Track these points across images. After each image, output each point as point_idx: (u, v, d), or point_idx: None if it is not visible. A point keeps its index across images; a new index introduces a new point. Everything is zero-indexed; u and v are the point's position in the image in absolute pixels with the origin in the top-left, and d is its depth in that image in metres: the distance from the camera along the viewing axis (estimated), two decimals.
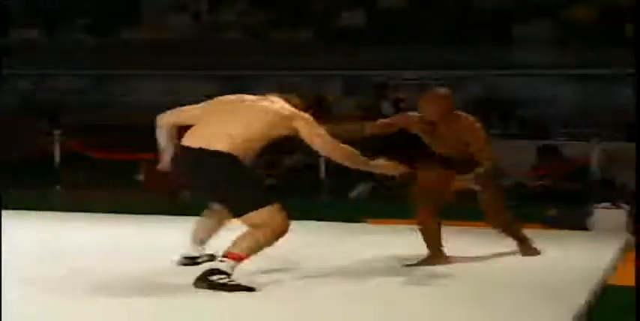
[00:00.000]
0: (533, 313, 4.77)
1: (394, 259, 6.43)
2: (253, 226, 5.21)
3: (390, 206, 8.80)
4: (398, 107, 13.52)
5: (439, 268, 6.10)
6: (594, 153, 10.27)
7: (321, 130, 5.39)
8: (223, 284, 5.08)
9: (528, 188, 10.78)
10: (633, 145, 10.45)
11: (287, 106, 5.46)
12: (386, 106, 13.34)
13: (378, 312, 4.77)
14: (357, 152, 5.52)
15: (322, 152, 5.55)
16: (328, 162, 10.84)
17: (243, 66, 15.31)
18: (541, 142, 11.29)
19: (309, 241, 7.34)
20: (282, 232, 5.25)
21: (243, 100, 5.50)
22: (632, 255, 6.71)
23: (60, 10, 17.82)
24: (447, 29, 14.87)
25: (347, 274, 5.85)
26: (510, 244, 6.89)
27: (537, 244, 6.98)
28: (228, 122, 5.30)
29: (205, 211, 5.96)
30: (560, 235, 7.66)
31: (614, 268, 6.17)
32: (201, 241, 5.95)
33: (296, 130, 5.36)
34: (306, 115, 5.42)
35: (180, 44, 16.04)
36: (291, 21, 16.08)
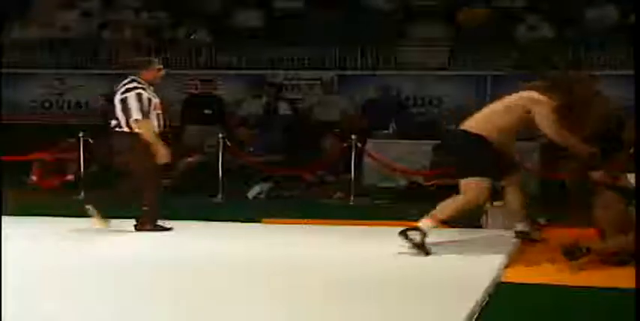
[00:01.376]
0: (429, 310, 4.79)
1: (290, 258, 6.41)
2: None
3: (287, 206, 8.77)
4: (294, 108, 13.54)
5: (334, 266, 6.11)
6: None
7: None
8: (412, 239, 6.57)
9: (423, 188, 10.88)
10: (527, 143, 10.67)
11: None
12: (283, 107, 13.30)
13: (272, 311, 4.73)
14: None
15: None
16: (223, 163, 10.79)
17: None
18: (435, 142, 11.39)
19: (206, 241, 7.28)
20: (475, 204, 6.91)
21: None
22: (524, 253, 6.82)
23: None
24: (342, 29, 14.92)
25: (239, 275, 5.79)
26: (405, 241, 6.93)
27: (437, 243, 7.06)
28: None
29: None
30: (456, 233, 7.73)
31: (507, 265, 6.26)
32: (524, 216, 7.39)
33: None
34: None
35: (72, 43, 15.71)
36: (186, 20, 15.91)
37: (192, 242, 7.27)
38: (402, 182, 11.56)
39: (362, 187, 11.11)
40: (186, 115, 12.99)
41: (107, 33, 15.99)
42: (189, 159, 11.52)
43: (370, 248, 6.93)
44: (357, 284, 5.49)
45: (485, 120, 7.09)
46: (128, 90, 7.87)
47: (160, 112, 7.98)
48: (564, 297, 5.35)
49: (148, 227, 7.84)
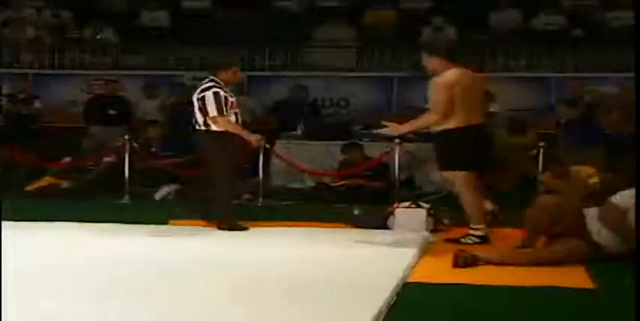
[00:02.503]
0: (335, 311, 4.80)
1: (196, 259, 6.37)
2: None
3: (195, 207, 8.71)
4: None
5: (240, 267, 6.09)
6: (395, 153, 10.52)
7: None
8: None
9: (332, 188, 10.93)
10: (431, 145, 10.81)
11: None
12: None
13: (177, 312, 4.69)
14: None
15: None
16: (131, 163, 10.67)
17: (44, 64, 14.84)
18: (344, 143, 11.46)
19: (114, 243, 7.19)
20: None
21: None
22: (432, 253, 6.91)
23: None
24: (251, 30, 14.90)
25: (145, 276, 5.73)
26: (314, 242, 6.95)
27: (345, 243, 7.09)
28: None
29: None
30: (364, 234, 7.78)
31: (414, 266, 6.32)
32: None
33: None
34: None
35: None
36: (92, 20, 15.68)
37: (96, 243, 7.16)
38: (311, 183, 11.60)
39: (270, 188, 11.11)
40: (91, 115, 12.81)
41: (8, 32, 15.65)
42: (107, 159, 11.34)
43: (277, 249, 6.92)
44: (262, 286, 5.46)
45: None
46: (205, 89, 8.02)
47: (236, 110, 8.10)
48: (470, 296, 5.43)
49: (225, 226, 7.99)
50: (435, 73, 7.26)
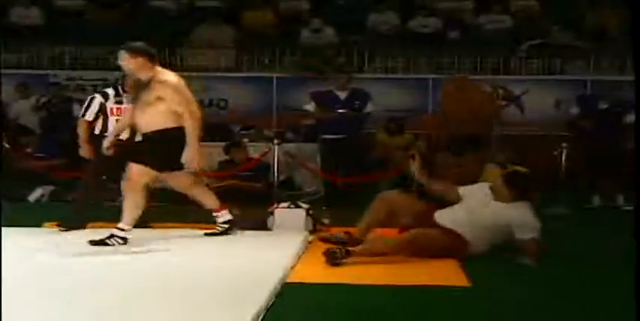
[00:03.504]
0: (214, 314, 4.75)
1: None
2: None
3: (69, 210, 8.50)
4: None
5: (127, 264, 5.98)
6: (274, 154, 10.51)
7: None
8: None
9: (212, 189, 10.81)
10: (311, 145, 10.87)
11: None
12: (75, 108, 12.88)
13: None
14: None
15: None
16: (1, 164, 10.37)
17: None
18: (227, 143, 11.38)
19: None
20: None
21: None
22: (311, 253, 6.92)
23: None
24: (126, 29, 14.68)
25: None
26: (190, 245, 6.87)
27: (222, 244, 7.04)
28: None
29: None
30: (243, 235, 7.74)
31: (294, 266, 6.31)
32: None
33: None
34: None
35: None
36: None
37: None
38: None
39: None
40: None
41: None
42: None
43: (153, 254, 6.80)
44: (136, 294, 5.34)
45: None
46: None
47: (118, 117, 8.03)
48: (348, 295, 5.45)
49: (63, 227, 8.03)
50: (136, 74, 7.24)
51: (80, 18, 15.48)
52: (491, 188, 6.85)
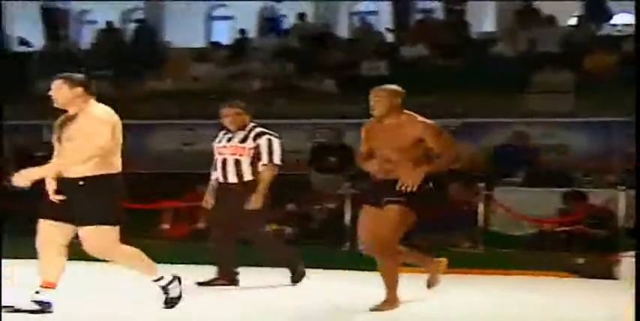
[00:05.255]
0: None
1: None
2: None
3: None
4: None
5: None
6: (619, 200, 10.21)
7: None
8: None
9: (552, 236, 10.71)
10: None
11: None
12: None
13: None
14: None
15: None
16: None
17: (267, 114, 15.39)
18: (565, 190, 11.22)
19: (334, 291, 7.32)
20: None
21: None
22: None
23: (83, 60, 18.09)
24: (467, 76, 14.96)
25: None
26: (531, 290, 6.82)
27: (565, 293, 6.95)
28: None
29: None
30: (588, 283, 7.60)
31: None
32: None
33: None
34: None
35: (203, 93, 16.19)
36: (313, 70, 16.20)
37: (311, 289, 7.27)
38: (531, 230, 11.40)
39: (490, 234, 11.01)
40: (313, 163, 13.19)
41: (238, 83, 16.39)
42: (329, 206, 11.59)
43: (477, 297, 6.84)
44: None
45: None
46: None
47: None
48: None
49: None
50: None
51: (422, 67, 15.98)
52: None
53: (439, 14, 17.99)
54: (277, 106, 15.68)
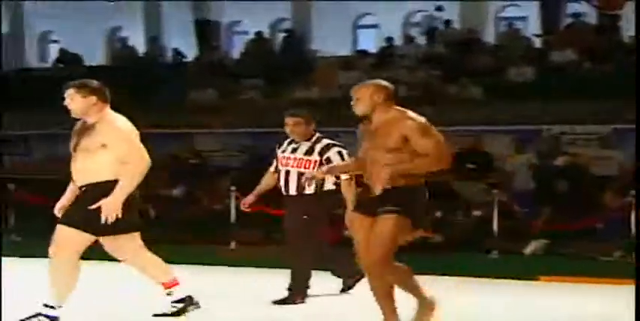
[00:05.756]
0: None
1: None
2: None
3: (565, 263, 8.64)
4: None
5: None
6: None
7: None
8: None
9: None
10: None
11: None
12: (562, 160, 13.07)
13: None
14: None
15: None
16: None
17: None
18: None
19: (484, 300, 7.29)
20: None
21: None
22: None
23: (234, 70, 18.57)
24: (618, 81, 14.59)
25: None
26: None
27: None
28: None
29: None
30: None
31: None
32: None
33: None
34: None
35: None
36: (459, 77, 16.15)
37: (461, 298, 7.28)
38: None
39: None
40: (453, 169, 13.09)
41: None
42: (476, 213, 11.55)
43: None
44: None
45: None
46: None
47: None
48: None
49: None
50: None
51: (571, 72, 15.71)
52: None
53: (589, 18, 17.63)
54: (422, 113, 15.69)
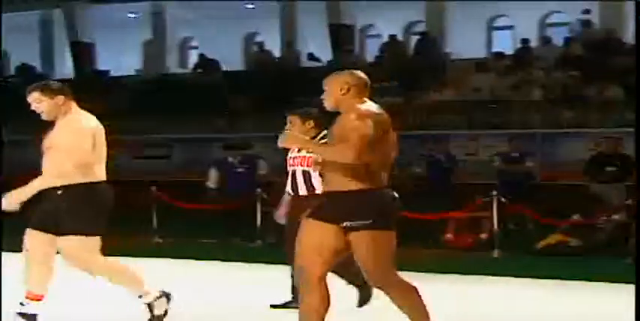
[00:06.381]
0: None
1: None
2: None
3: None
4: None
5: None
6: None
7: None
8: None
9: None
10: None
11: None
12: None
13: None
14: None
15: None
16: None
17: (549, 123, 15.16)
18: None
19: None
20: None
21: None
22: None
23: (368, 73, 18.63)
24: None
25: None
26: None
27: None
28: None
29: None
30: None
31: None
32: None
33: None
34: None
35: (485, 103, 16.23)
36: (598, 78, 15.82)
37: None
38: None
39: None
40: (591, 173, 12.85)
41: (519, 93, 16.27)
42: (616, 217, 11.29)
43: None
44: None
45: None
46: None
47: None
48: None
49: None
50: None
51: None
52: None
53: None
54: (559, 115, 15.45)
